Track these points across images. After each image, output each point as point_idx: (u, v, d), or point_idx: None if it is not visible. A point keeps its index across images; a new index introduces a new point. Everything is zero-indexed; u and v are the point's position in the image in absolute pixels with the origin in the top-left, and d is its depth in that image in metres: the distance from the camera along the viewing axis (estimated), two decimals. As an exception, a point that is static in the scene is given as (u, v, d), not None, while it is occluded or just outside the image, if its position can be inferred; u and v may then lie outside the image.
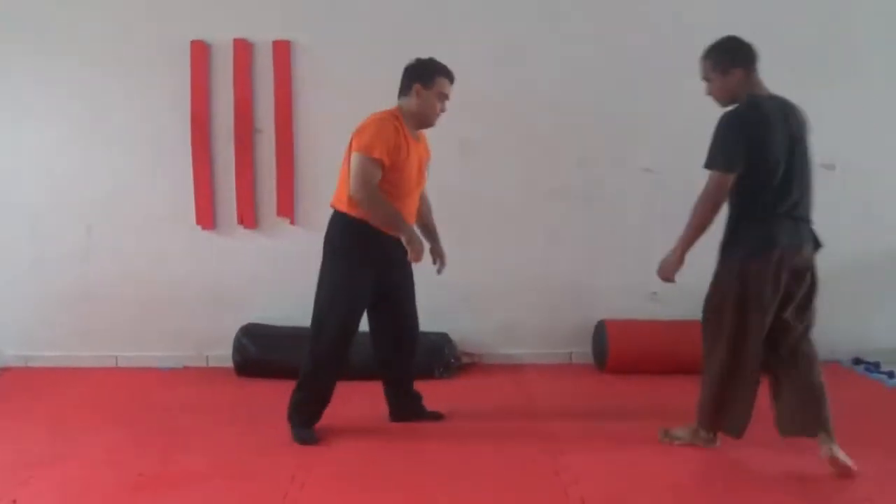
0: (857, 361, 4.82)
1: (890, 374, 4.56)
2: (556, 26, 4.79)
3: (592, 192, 4.86)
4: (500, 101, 4.79)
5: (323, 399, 3.61)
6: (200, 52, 4.72)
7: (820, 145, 4.92)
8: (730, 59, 3.30)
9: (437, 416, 3.86)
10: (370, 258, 3.49)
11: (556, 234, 4.89)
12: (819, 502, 2.98)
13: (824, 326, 4.85)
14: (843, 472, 3.13)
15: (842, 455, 3.14)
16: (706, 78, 3.38)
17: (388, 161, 3.40)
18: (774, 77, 4.74)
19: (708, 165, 3.24)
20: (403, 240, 3.40)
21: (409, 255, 3.42)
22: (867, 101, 4.84)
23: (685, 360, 4.57)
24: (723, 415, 3.35)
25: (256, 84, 4.77)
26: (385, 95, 4.75)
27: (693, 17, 4.74)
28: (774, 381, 3.37)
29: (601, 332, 4.73)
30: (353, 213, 3.45)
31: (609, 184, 4.87)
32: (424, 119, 3.57)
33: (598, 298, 4.89)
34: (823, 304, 4.88)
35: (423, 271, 4.85)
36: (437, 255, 3.82)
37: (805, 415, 3.24)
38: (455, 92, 4.74)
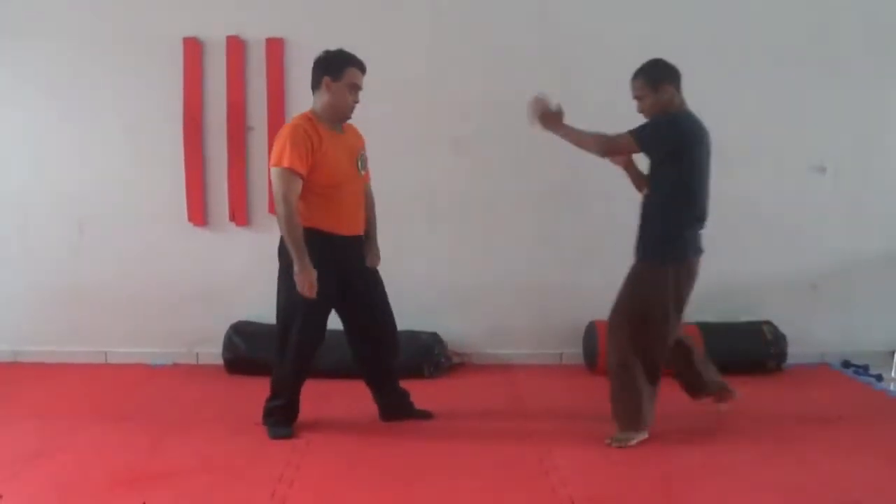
0: (846, 364, 4.84)
1: (878, 378, 4.57)
2: (547, 26, 4.79)
3: (583, 192, 4.86)
4: (492, 100, 4.78)
5: (293, 403, 3.67)
6: (193, 49, 4.71)
7: (811, 147, 4.99)
8: (661, 76, 3.49)
9: (426, 415, 3.86)
10: (325, 261, 3.45)
11: (546, 234, 4.90)
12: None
13: (813, 329, 4.93)
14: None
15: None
16: (638, 97, 3.54)
17: (302, 167, 3.35)
18: (767, 78, 4.81)
19: (632, 131, 3.43)
20: (295, 267, 3.36)
21: (297, 285, 3.38)
22: (857, 103, 4.87)
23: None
24: (645, 411, 3.49)
25: (249, 81, 4.77)
26: (378, 93, 4.77)
27: (684, 19, 4.77)
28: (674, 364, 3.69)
29: (592, 332, 4.73)
30: (304, 222, 3.42)
31: (600, 184, 4.87)
32: (338, 112, 3.52)
33: (588, 299, 4.86)
34: (813, 307, 4.95)
35: (412, 271, 4.89)
36: (367, 253, 3.78)
37: (712, 376, 3.72)
38: (447, 91, 4.79)
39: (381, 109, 4.77)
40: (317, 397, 4.14)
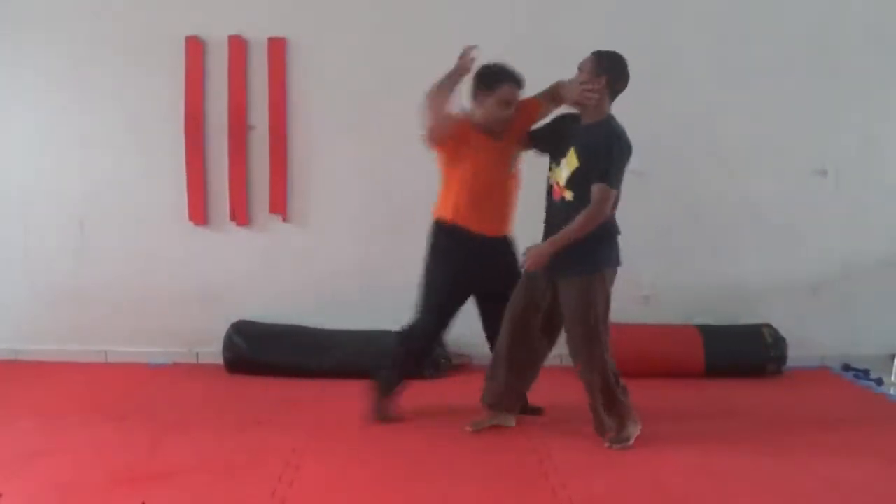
0: (847, 368, 4.84)
1: (879, 381, 4.57)
2: (543, 29, 4.79)
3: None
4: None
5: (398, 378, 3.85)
6: (195, 49, 4.71)
7: (812, 151, 4.98)
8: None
9: (537, 411, 3.92)
10: (461, 257, 3.63)
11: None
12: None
13: (814, 332, 4.92)
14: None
15: None
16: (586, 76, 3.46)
17: (442, 142, 3.58)
18: (768, 82, 4.81)
19: (602, 179, 3.34)
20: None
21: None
22: (858, 106, 4.88)
23: (676, 364, 4.60)
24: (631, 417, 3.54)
25: (251, 81, 4.76)
26: (380, 93, 4.79)
27: (685, 22, 4.77)
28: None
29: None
30: (445, 217, 3.67)
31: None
32: (488, 124, 3.57)
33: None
34: (813, 310, 4.95)
35: (412, 272, 4.87)
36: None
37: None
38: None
39: (384, 108, 4.79)
40: (317, 398, 4.15)
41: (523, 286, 3.62)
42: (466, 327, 4.84)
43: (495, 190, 3.65)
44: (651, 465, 3.31)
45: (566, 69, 4.74)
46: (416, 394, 3.92)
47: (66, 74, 4.74)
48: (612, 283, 3.53)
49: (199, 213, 4.80)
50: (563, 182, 3.44)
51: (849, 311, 4.98)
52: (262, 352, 4.58)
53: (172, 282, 4.84)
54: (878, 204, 4.95)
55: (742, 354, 4.63)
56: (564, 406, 4.13)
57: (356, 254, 4.86)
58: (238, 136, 4.77)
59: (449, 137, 3.57)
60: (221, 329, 4.67)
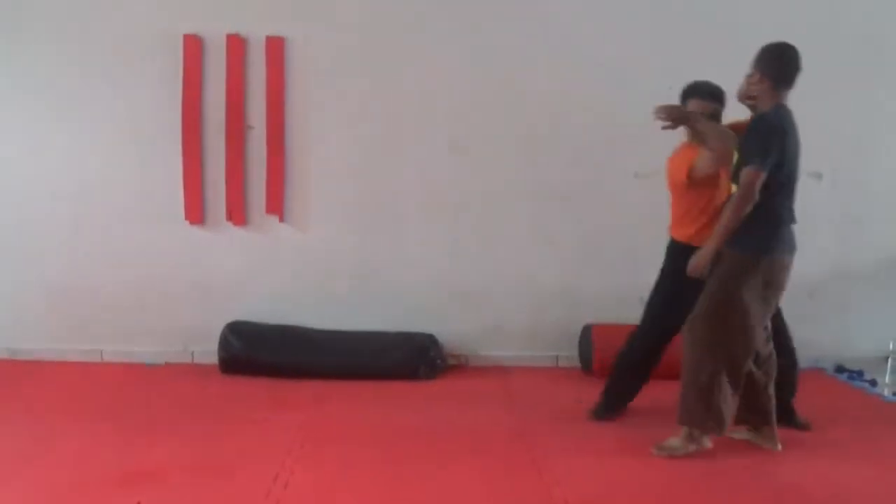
0: (840, 369, 4.86)
1: (873, 383, 4.60)
2: (546, 29, 4.80)
3: (582, 194, 4.87)
4: (490, 101, 4.80)
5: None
6: (193, 47, 4.70)
7: (808, 154, 4.98)
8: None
9: (804, 426, 3.79)
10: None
11: (545, 236, 4.90)
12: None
13: (808, 334, 4.91)
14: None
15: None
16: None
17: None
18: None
19: (748, 163, 3.25)
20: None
21: None
22: (855, 111, 4.90)
23: (671, 365, 4.60)
24: (715, 412, 3.35)
25: (249, 80, 4.76)
26: (377, 93, 4.79)
27: (685, 23, 4.79)
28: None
29: (587, 335, 4.74)
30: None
31: (599, 186, 4.89)
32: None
33: (586, 302, 4.90)
34: (807, 312, 4.96)
35: (408, 273, 4.90)
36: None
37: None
38: (445, 91, 4.79)
39: (378, 109, 4.80)
40: (312, 398, 4.15)
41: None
42: (462, 328, 4.91)
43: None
44: (645, 465, 3.31)
45: (563, 72, 4.83)
46: (412, 394, 3.92)
47: (62, 72, 4.73)
48: (774, 273, 3.29)
49: (196, 212, 4.80)
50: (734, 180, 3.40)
51: (843, 312, 4.99)
52: (257, 351, 4.58)
53: (168, 281, 4.84)
54: (871, 207, 4.96)
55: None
56: (560, 407, 4.14)
57: (352, 254, 4.87)
58: (236, 135, 4.76)
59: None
60: (217, 328, 4.67)
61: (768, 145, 3.23)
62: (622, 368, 3.90)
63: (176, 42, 4.69)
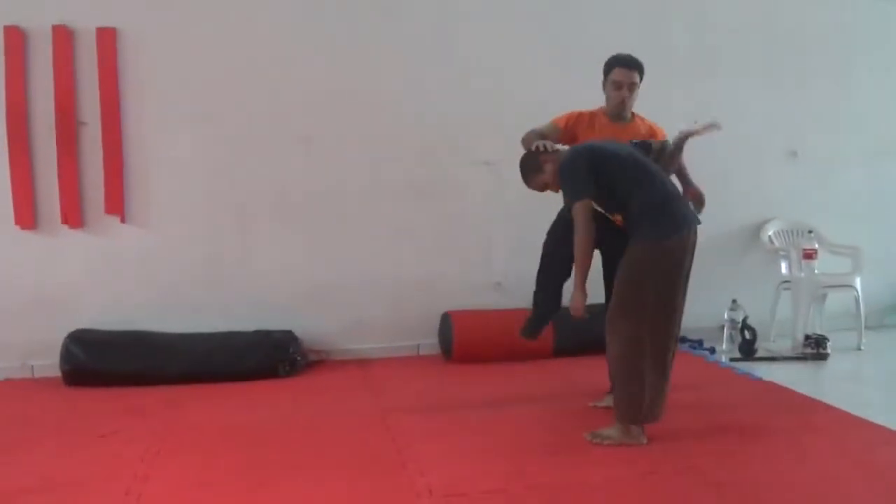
0: (683, 340, 5.16)
1: (712, 350, 4.97)
2: (396, 25, 4.83)
3: (435, 186, 4.94)
4: (341, 97, 4.78)
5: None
6: (15, 39, 4.38)
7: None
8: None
9: None
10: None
11: (400, 228, 4.93)
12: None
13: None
14: None
15: None
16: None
17: (562, 125, 3.73)
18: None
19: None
20: None
21: None
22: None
23: (528, 347, 4.74)
24: (644, 403, 3.34)
25: (79, 74, 4.49)
26: (223, 84, 4.64)
27: (524, 24, 4.91)
28: None
29: (446, 323, 4.81)
30: None
31: (454, 177, 4.96)
32: (610, 107, 3.77)
33: (443, 290, 4.97)
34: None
35: (264, 270, 4.79)
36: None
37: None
38: (296, 89, 4.72)
39: (228, 100, 4.66)
40: (165, 405, 3.98)
41: None
42: (321, 323, 4.85)
43: None
44: (510, 447, 3.37)
45: (410, 67, 4.86)
46: (271, 393, 3.84)
47: None
48: (674, 252, 3.31)
49: (27, 216, 4.48)
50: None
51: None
52: (102, 361, 4.34)
53: (1, 291, 4.49)
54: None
55: (589, 334, 4.81)
56: (423, 394, 4.18)
57: (201, 253, 4.70)
58: (67, 133, 4.48)
59: None
60: (58, 339, 4.37)
61: (571, 181, 3.32)
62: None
63: (-5, 34, 4.36)
